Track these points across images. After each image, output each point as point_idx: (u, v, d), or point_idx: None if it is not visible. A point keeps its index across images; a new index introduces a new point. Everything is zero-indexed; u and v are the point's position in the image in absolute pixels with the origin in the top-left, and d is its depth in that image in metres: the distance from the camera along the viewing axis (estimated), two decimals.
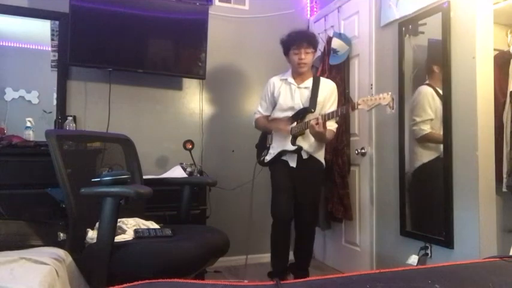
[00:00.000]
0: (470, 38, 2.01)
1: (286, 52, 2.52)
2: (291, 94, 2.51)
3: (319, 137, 2.34)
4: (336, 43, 2.94)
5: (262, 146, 2.65)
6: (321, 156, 2.54)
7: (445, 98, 2.11)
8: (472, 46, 1.99)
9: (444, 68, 2.12)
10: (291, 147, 2.42)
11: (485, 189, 1.96)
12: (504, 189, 2.15)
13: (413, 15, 2.33)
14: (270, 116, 2.63)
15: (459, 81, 2.06)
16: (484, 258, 1.04)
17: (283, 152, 2.47)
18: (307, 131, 2.35)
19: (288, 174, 2.48)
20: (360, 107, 2.09)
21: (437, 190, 2.15)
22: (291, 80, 2.54)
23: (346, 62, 2.93)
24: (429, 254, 2.21)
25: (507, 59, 2.24)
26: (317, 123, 2.22)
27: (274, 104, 2.58)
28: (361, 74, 2.84)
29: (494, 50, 2.08)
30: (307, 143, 2.44)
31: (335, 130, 2.49)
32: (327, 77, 2.83)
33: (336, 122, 2.49)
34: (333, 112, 2.26)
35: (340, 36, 2.95)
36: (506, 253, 1.93)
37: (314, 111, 2.41)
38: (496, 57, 2.12)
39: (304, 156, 2.46)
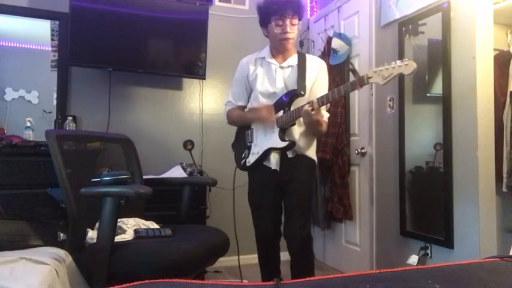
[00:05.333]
0: (470, 38, 2.00)
1: (265, 23, 1.98)
2: (270, 76, 2.00)
3: (315, 126, 1.85)
4: (336, 43, 2.94)
5: (242, 145, 2.11)
6: (311, 152, 2.04)
7: (445, 98, 2.11)
8: (472, 46, 1.99)
9: (444, 68, 2.12)
10: (280, 144, 1.89)
11: (485, 189, 1.96)
12: (504, 189, 2.15)
13: (413, 15, 2.33)
14: (245, 106, 2.12)
15: (459, 81, 2.06)
16: (484, 258, 1.04)
17: (268, 152, 1.95)
18: (298, 121, 1.88)
19: (269, 184, 2.00)
20: (371, 80, 1.59)
21: (437, 190, 2.15)
22: (269, 58, 2.02)
23: (346, 62, 2.93)
24: (429, 254, 2.21)
25: (507, 59, 2.25)
26: (312, 109, 1.74)
27: (249, 90, 2.08)
28: (361, 74, 2.83)
29: (494, 50, 2.08)
30: (295, 138, 1.94)
31: (327, 120, 1.99)
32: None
33: (327, 111, 2.01)
34: (333, 92, 1.72)
35: (340, 36, 2.95)
36: (506, 253, 1.93)
37: (304, 94, 1.90)
38: (496, 57, 2.12)
39: (289, 154, 1.95)
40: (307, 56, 2.05)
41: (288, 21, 1.91)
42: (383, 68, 1.56)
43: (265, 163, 1.99)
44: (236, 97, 2.13)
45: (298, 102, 1.88)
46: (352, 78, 2.67)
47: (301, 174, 1.98)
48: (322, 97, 1.77)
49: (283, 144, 1.89)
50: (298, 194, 1.98)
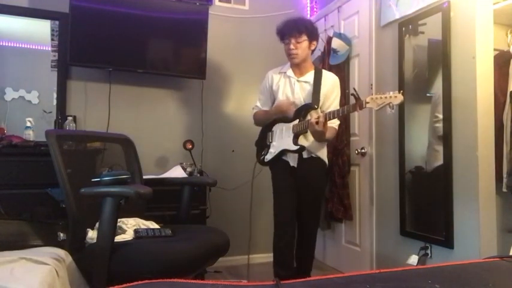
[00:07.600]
0: (470, 38, 2.00)
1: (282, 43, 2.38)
2: (290, 88, 2.36)
3: (319, 136, 2.19)
4: (336, 43, 2.94)
5: (262, 143, 2.49)
6: (323, 154, 2.38)
7: (445, 98, 2.11)
8: (472, 46, 1.99)
9: (444, 68, 2.12)
10: (292, 147, 2.25)
11: (485, 189, 1.96)
12: (504, 189, 2.15)
13: (413, 15, 2.33)
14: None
15: (459, 81, 2.06)
16: (484, 258, 1.04)
17: (284, 152, 2.31)
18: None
19: (289, 174, 2.33)
20: (368, 105, 1.88)
21: (437, 190, 2.15)
22: (290, 72, 2.38)
23: (346, 62, 2.93)
24: (429, 254, 2.21)
25: (507, 59, 2.24)
26: (317, 122, 2.05)
27: (273, 98, 2.45)
28: (361, 74, 2.84)
29: (494, 50, 2.08)
30: (308, 142, 2.28)
31: (337, 127, 2.34)
32: None
33: (338, 119, 2.32)
34: (337, 110, 2.08)
35: (340, 36, 2.95)
36: (506, 253, 1.93)
37: (317, 107, 2.26)
38: (496, 57, 2.11)
39: (305, 155, 2.30)
40: (324, 72, 2.38)
41: (293, 40, 2.27)
42: (378, 96, 1.86)
43: (284, 158, 2.34)
44: (262, 103, 2.51)
45: (313, 114, 2.22)
46: (351, 84, 2.82)
47: (314, 171, 2.34)
48: (329, 113, 2.09)
49: (295, 147, 2.24)
50: (311, 186, 2.35)
